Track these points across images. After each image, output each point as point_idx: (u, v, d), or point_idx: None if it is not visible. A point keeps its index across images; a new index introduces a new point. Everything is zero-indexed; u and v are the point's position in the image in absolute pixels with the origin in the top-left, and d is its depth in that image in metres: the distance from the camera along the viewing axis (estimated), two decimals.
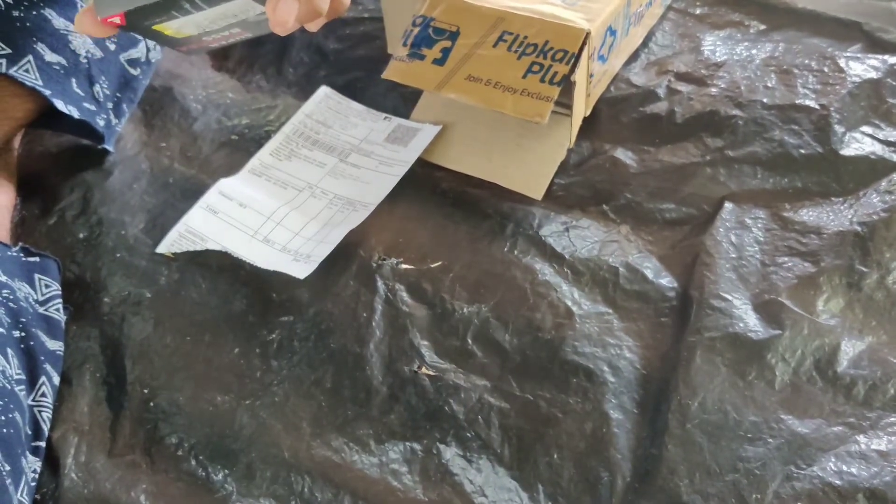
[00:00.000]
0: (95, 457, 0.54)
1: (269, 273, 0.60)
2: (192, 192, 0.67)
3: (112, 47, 0.68)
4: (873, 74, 0.68)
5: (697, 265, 0.58)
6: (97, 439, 0.55)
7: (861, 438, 0.49)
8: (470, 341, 0.57)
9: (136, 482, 0.53)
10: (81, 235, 0.66)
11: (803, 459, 0.49)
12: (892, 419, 0.50)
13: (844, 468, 0.48)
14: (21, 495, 0.49)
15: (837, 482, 0.48)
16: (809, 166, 0.63)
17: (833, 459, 0.49)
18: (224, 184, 0.67)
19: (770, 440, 0.50)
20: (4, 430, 0.50)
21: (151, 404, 0.56)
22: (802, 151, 0.64)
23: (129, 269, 0.63)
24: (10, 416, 0.50)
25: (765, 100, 0.67)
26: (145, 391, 0.57)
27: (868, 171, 0.62)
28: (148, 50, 0.72)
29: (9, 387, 0.52)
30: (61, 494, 0.53)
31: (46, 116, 0.66)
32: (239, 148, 0.72)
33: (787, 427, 0.50)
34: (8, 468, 0.49)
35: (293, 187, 0.67)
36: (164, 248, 0.64)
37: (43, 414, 0.54)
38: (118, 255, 0.64)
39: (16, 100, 0.63)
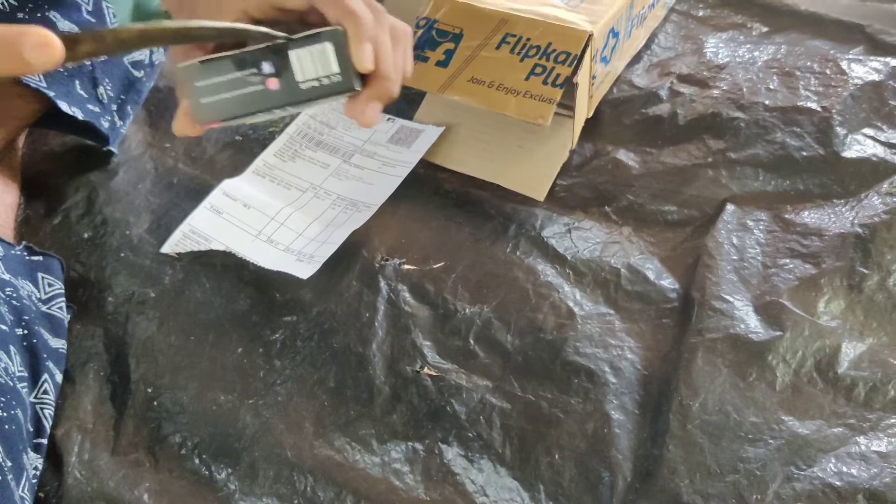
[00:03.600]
0: (99, 455, 0.54)
1: (272, 273, 0.60)
2: (196, 193, 0.68)
3: None
4: (875, 77, 0.68)
5: (699, 267, 0.58)
6: (101, 437, 0.55)
7: (861, 440, 0.50)
8: (472, 342, 0.57)
9: (140, 480, 0.53)
10: (86, 235, 0.66)
11: (803, 460, 0.49)
12: (893, 420, 0.50)
13: (844, 469, 0.48)
14: (22, 491, 0.49)
15: (837, 483, 0.48)
16: (811, 168, 0.63)
17: (833, 460, 0.49)
18: (228, 184, 0.67)
19: (770, 441, 0.50)
20: (6, 427, 0.50)
21: (155, 403, 0.57)
22: (804, 153, 0.64)
23: (133, 269, 0.63)
24: (12, 412, 0.51)
25: (767, 102, 0.67)
26: (149, 390, 0.57)
27: (869, 173, 0.63)
28: (151, 52, 0.72)
29: (10, 383, 0.52)
30: (65, 492, 0.53)
31: (51, 116, 0.66)
32: (243, 149, 0.72)
33: (788, 428, 0.50)
34: (9, 464, 0.49)
35: (297, 188, 0.67)
36: (168, 248, 0.64)
37: (45, 411, 0.54)
38: (122, 254, 0.64)
39: (20, 100, 0.64)
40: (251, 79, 0.42)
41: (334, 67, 0.42)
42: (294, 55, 0.41)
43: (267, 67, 0.42)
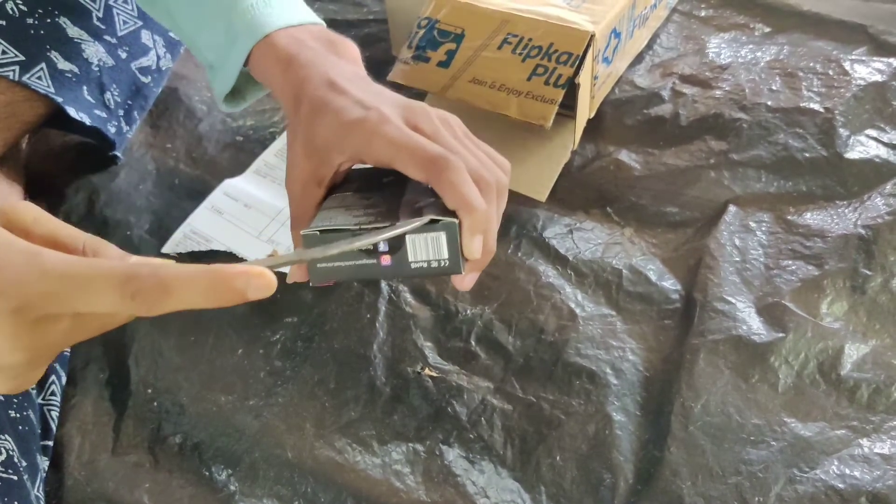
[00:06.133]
0: (99, 456, 0.54)
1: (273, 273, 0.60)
2: (197, 193, 0.67)
3: (124, 56, 0.68)
4: (878, 77, 0.68)
5: (701, 268, 0.58)
6: (101, 438, 0.55)
7: (864, 442, 0.49)
8: (473, 343, 0.57)
9: (140, 481, 0.53)
10: None
11: (806, 462, 0.49)
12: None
13: (847, 471, 0.48)
14: (37, 491, 0.50)
15: (840, 485, 0.48)
16: (814, 170, 0.63)
17: (836, 463, 0.49)
18: (229, 184, 0.67)
19: (773, 443, 0.50)
20: (20, 427, 0.50)
21: (155, 404, 0.56)
22: (807, 155, 0.64)
23: None
24: (25, 413, 0.51)
25: (769, 103, 0.67)
26: (149, 391, 0.57)
27: (872, 174, 0.62)
28: (158, 58, 0.72)
29: None
30: (64, 493, 0.53)
31: (58, 118, 0.66)
32: (244, 149, 0.72)
33: (790, 430, 0.50)
34: (24, 464, 0.49)
35: None
36: (169, 248, 0.64)
37: (52, 413, 0.55)
38: None
39: (27, 104, 0.63)
40: (366, 253, 0.45)
41: (444, 254, 0.45)
42: (409, 240, 0.44)
43: (382, 246, 0.45)
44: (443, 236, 0.44)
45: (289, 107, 0.50)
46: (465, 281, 0.50)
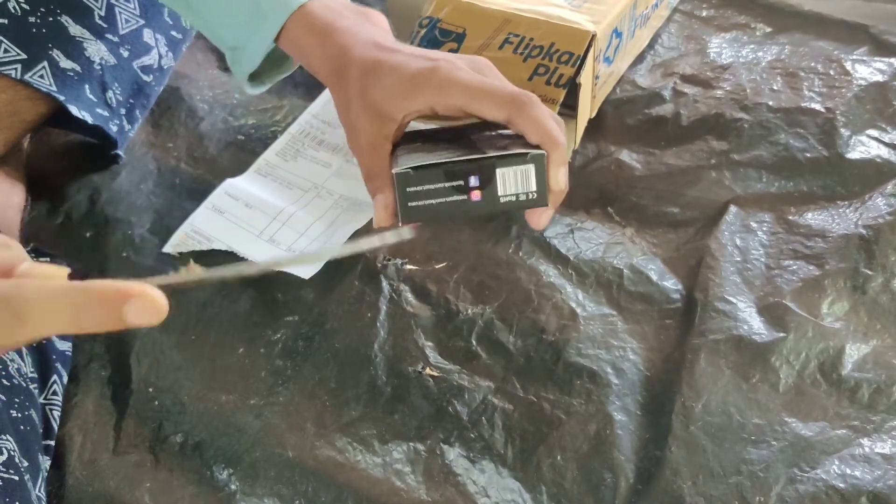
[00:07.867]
0: (100, 455, 0.54)
1: (274, 273, 0.60)
2: (198, 192, 0.67)
3: (125, 54, 0.68)
4: (879, 77, 0.68)
5: (702, 268, 0.58)
6: (102, 437, 0.55)
7: (865, 441, 0.49)
8: (474, 342, 0.57)
9: (141, 480, 0.53)
10: (88, 235, 0.66)
11: (807, 462, 0.49)
12: None
13: (848, 471, 0.48)
14: (39, 491, 0.50)
15: (841, 485, 0.48)
16: (815, 170, 0.63)
17: (837, 462, 0.49)
18: (230, 184, 0.67)
19: (774, 443, 0.50)
20: (22, 427, 0.50)
21: (156, 403, 0.56)
22: (808, 155, 0.64)
23: (135, 269, 0.63)
24: (27, 412, 0.51)
25: (770, 103, 0.67)
26: (150, 390, 0.57)
27: (874, 174, 0.62)
28: (160, 57, 0.72)
29: (24, 384, 0.52)
30: (66, 492, 0.53)
31: (60, 117, 0.66)
32: (245, 148, 0.72)
33: (791, 430, 0.50)
34: (26, 464, 0.49)
35: (299, 187, 0.67)
36: (170, 247, 0.64)
37: (54, 412, 0.55)
38: (124, 254, 0.64)
39: (29, 103, 0.63)
40: (457, 189, 0.46)
41: (533, 186, 0.46)
42: (500, 172, 0.45)
43: (473, 181, 0.46)
44: (532, 169, 0.46)
45: (331, 75, 0.51)
46: (544, 217, 0.50)
